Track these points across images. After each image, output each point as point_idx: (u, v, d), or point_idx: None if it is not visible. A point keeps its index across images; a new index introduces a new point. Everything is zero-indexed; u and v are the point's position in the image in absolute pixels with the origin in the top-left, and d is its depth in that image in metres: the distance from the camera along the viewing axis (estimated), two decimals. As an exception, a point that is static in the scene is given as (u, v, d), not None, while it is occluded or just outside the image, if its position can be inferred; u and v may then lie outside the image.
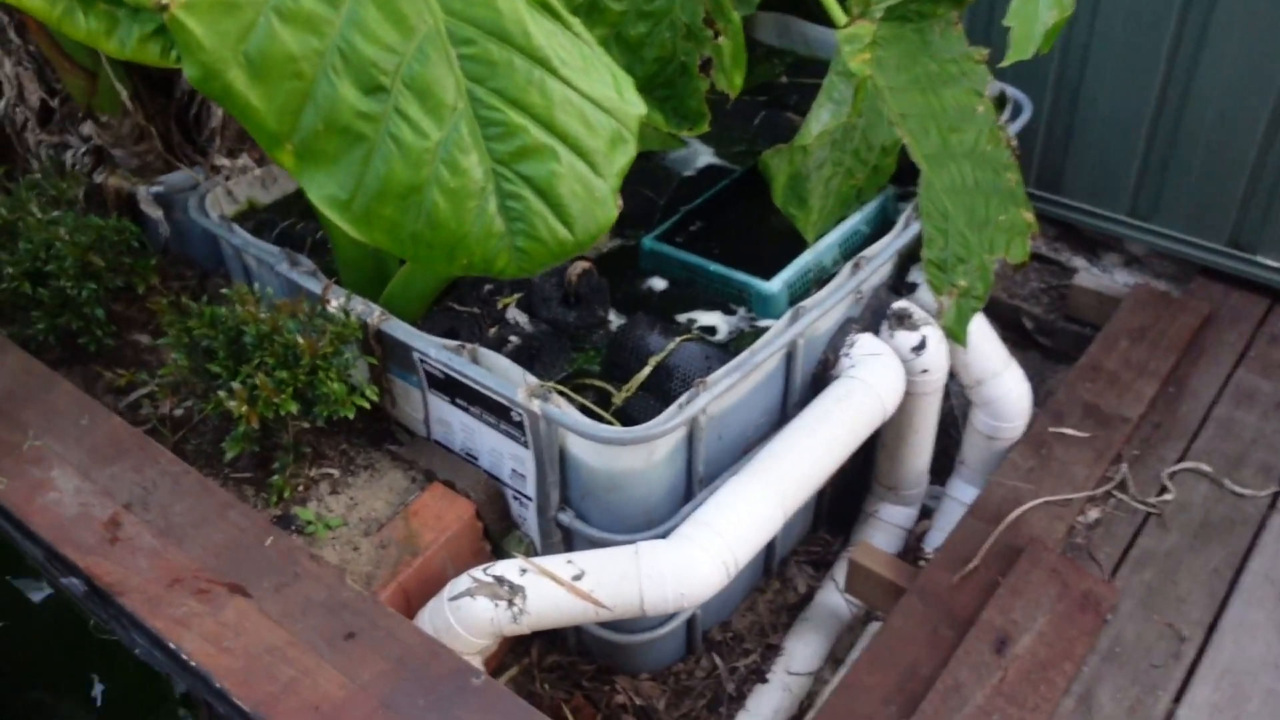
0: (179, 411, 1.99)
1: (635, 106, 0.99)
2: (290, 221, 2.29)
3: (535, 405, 1.73)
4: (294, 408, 1.72)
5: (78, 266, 1.95)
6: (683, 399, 1.72)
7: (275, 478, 1.85)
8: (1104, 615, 1.93)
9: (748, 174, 2.34)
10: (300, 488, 1.89)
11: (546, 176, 0.97)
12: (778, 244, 2.12)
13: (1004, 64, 1.60)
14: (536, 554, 1.96)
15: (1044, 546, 2.01)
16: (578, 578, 1.67)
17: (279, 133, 0.91)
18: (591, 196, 0.97)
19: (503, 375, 1.80)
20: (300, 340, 1.72)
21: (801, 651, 2.17)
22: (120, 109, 2.23)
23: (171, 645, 1.29)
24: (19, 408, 1.73)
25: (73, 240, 1.94)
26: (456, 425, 1.94)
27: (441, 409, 1.94)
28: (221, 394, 1.74)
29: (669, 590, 1.67)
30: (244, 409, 1.70)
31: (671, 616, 2.02)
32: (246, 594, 1.39)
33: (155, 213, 2.30)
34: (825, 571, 2.37)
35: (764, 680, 2.18)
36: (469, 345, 1.83)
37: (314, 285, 1.98)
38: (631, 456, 1.76)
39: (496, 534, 1.94)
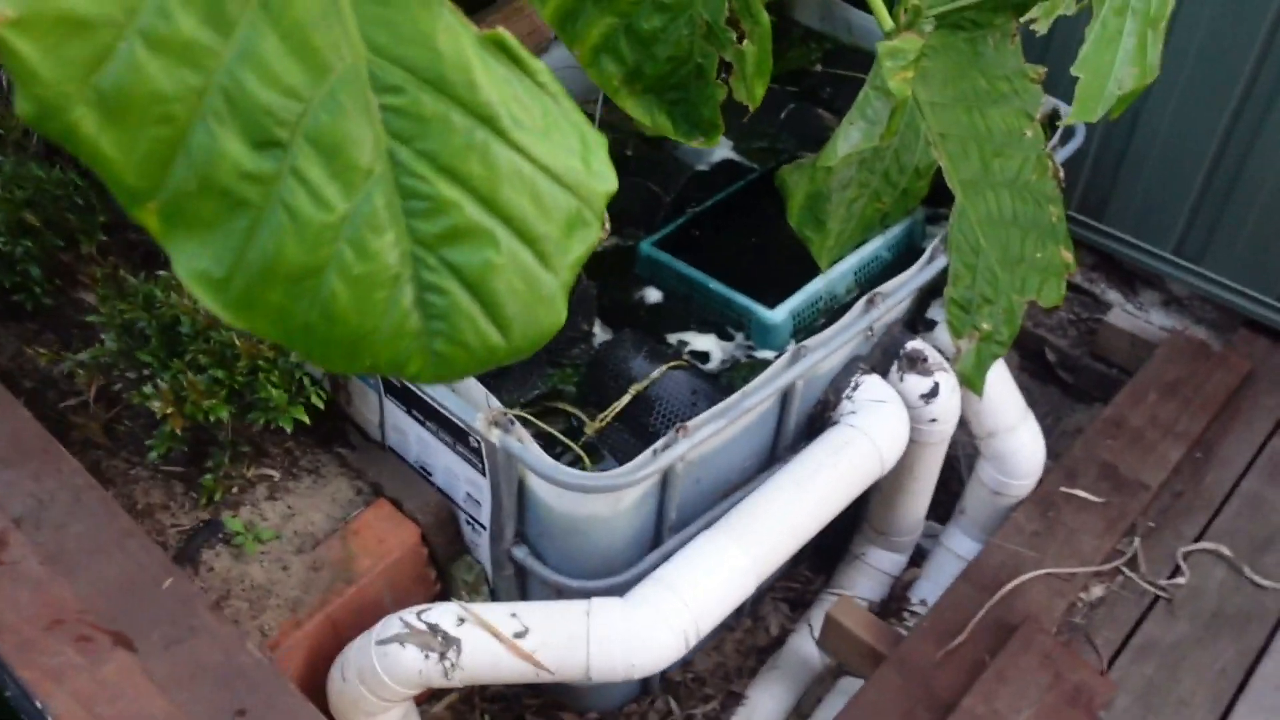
0: (117, 385, 1.81)
1: (604, 181, 0.79)
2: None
3: (494, 435, 1.55)
4: (225, 413, 1.55)
5: (13, 223, 1.76)
6: (659, 444, 1.54)
7: (207, 477, 1.69)
8: (1096, 713, 1.77)
9: (765, 176, 2.12)
10: (234, 489, 1.72)
11: (480, 267, 0.78)
12: (789, 262, 1.91)
13: (1065, 122, 1.39)
14: (487, 582, 1.80)
15: (1039, 627, 1.84)
16: (520, 635, 1.51)
17: (139, 189, 0.72)
18: (535, 294, 0.78)
19: (464, 394, 1.62)
20: (237, 340, 1.54)
21: (766, 704, 2.02)
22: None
23: (38, 703, 1.14)
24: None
25: (8, 194, 1.74)
26: (412, 437, 1.76)
27: (397, 417, 1.76)
28: (146, 389, 1.57)
29: (618, 659, 1.51)
30: (169, 410, 1.53)
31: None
32: (132, 647, 1.24)
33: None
34: (802, 613, 2.21)
35: (722, 729, 2.04)
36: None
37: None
38: (596, 502, 1.59)
39: (444, 558, 1.78)
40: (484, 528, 1.73)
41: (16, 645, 1.20)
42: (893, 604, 2.21)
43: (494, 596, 1.80)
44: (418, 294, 0.77)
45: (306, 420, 1.59)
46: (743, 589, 1.60)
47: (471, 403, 1.60)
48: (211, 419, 1.55)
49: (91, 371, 1.69)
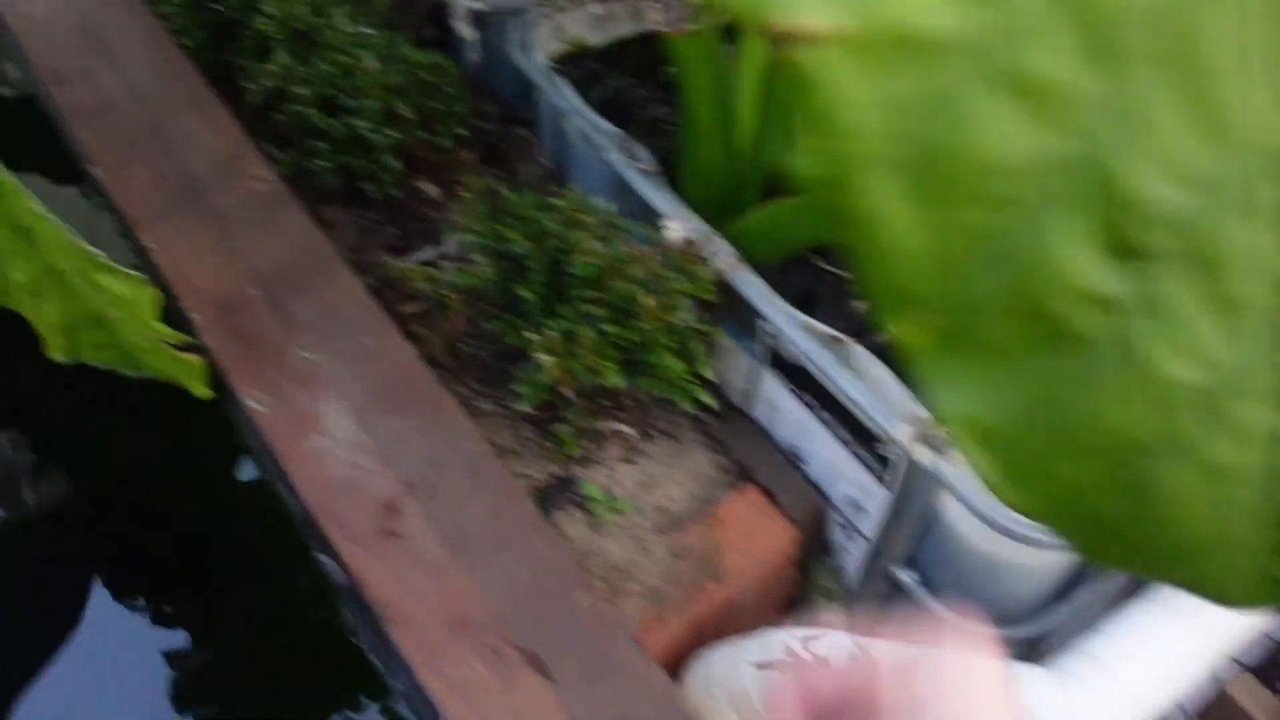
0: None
1: None
2: (625, 82, 1.84)
3: (921, 453, 1.30)
4: (619, 381, 1.35)
5: (381, 109, 1.57)
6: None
7: (563, 428, 1.51)
8: None
9: None
10: (587, 442, 1.54)
11: None
12: None
13: None
14: (849, 594, 1.59)
15: None
16: (924, 691, 1.29)
17: (918, 292, 0.47)
18: None
19: (877, 389, 1.38)
20: (649, 300, 1.32)
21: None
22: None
23: (446, 723, 1.00)
24: (292, 294, 1.40)
25: (380, 80, 1.55)
26: (789, 416, 1.54)
27: (776, 393, 1.53)
28: (529, 335, 1.38)
29: (1039, 741, 1.28)
30: (555, 371, 1.34)
31: None
32: (548, 675, 1.07)
33: (470, 34, 1.89)
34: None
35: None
36: (842, 339, 1.40)
37: (649, 192, 1.56)
38: (1027, 550, 1.33)
39: (804, 554, 1.57)
40: (864, 538, 1.51)
41: (419, 642, 1.06)
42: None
43: (850, 608, 1.60)
44: (1282, 497, 0.53)
45: (714, 405, 1.38)
46: (1191, 678, 1.34)
47: (889, 405, 1.36)
48: (602, 383, 1.35)
49: (454, 299, 1.52)
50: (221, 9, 1.73)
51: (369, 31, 1.61)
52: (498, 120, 1.98)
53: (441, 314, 1.65)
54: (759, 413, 1.60)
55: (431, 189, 1.82)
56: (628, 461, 1.55)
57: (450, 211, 1.83)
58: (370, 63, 1.56)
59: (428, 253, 1.78)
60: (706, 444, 1.60)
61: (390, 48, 1.61)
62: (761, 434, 1.61)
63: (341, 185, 1.73)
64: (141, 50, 1.62)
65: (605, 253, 1.34)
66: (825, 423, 1.47)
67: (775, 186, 1.61)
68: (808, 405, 1.49)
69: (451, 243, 1.80)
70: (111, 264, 1.05)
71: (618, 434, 1.58)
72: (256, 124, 1.75)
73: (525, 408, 1.42)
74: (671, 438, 1.60)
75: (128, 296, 1.09)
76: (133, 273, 1.07)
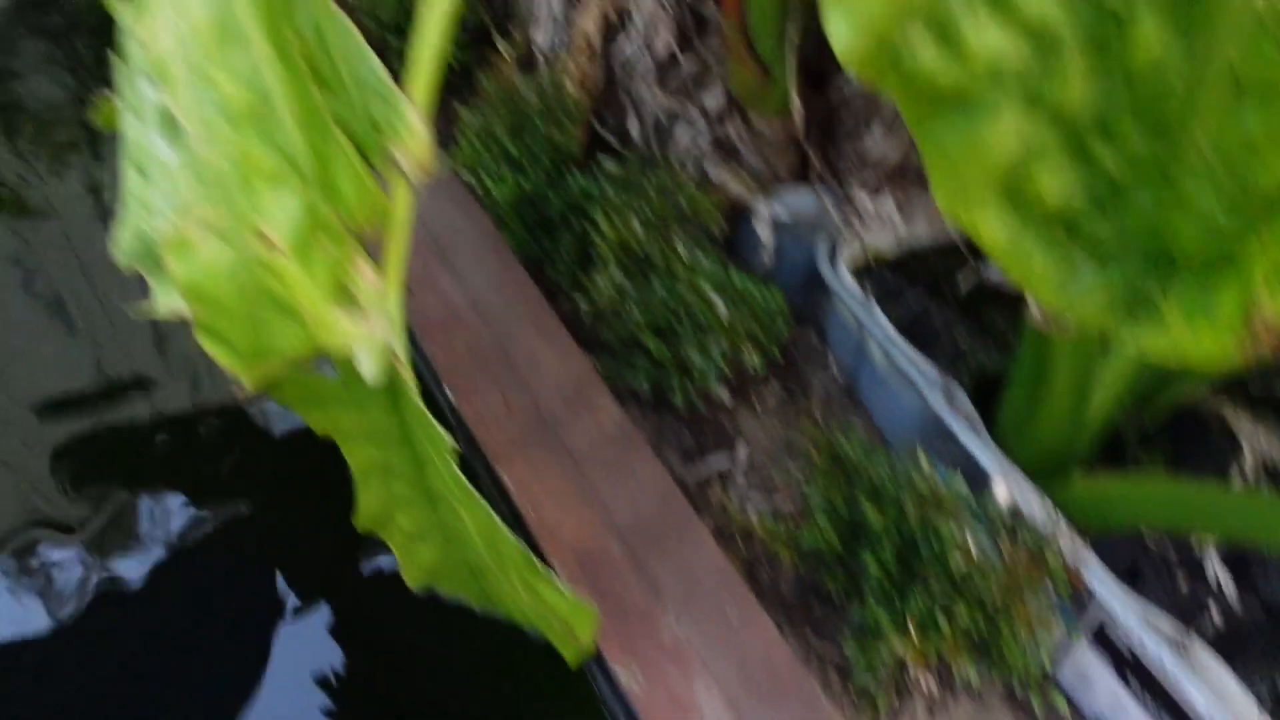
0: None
1: None
2: (924, 301, 1.85)
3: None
4: (971, 671, 1.35)
5: (719, 340, 1.61)
6: None
7: (866, 677, 1.51)
8: None
9: None
10: (889, 692, 1.55)
11: None
12: None
13: None
14: None
15: None
16: None
17: None
18: None
19: (1220, 693, 1.36)
20: (1008, 596, 1.33)
21: None
22: (778, 114, 1.83)
23: None
24: (653, 552, 1.41)
25: (722, 320, 1.58)
26: (1102, 692, 1.52)
27: (1092, 667, 1.52)
28: (879, 614, 1.39)
29: None
30: (907, 652, 1.35)
31: None
32: None
33: (766, 235, 1.92)
34: None
35: None
36: (1186, 643, 1.39)
37: (971, 443, 1.57)
38: None
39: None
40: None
41: None
42: None
43: None
44: None
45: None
46: None
47: (1234, 717, 1.34)
48: (949, 668, 1.35)
49: (783, 546, 1.53)
50: (547, 212, 1.78)
51: (703, 259, 1.65)
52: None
53: (770, 560, 1.65)
54: (1064, 678, 1.59)
55: (725, 394, 1.85)
56: (930, 716, 1.55)
57: (741, 416, 1.86)
58: (710, 294, 1.59)
59: (721, 460, 1.81)
60: (1009, 704, 1.59)
61: (724, 274, 1.65)
62: (1063, 696, 1.60)
63: (649, 390, 1.76)
64: (480, 256, 1.68)
65: (971, 546, 1.35)
66: (1148, 711, 1.45)
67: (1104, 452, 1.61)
68: (1130, 688, 1.47)
69: (743, 451, 1.83)
70: (551, 576, 1.06)
71: (918, 687, 1.58)
72: (571, 320, 1.80)
73: (863, 677, 1.43)
74: (973, 697, 1.59)
75: (562, 611, 1.10)
76: (567, 592, 1.08)
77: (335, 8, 1.00)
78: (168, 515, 1.94)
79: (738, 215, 1.97)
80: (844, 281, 1.80)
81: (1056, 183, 0.87)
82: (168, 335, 2.20)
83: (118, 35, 0.91)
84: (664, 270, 1.62)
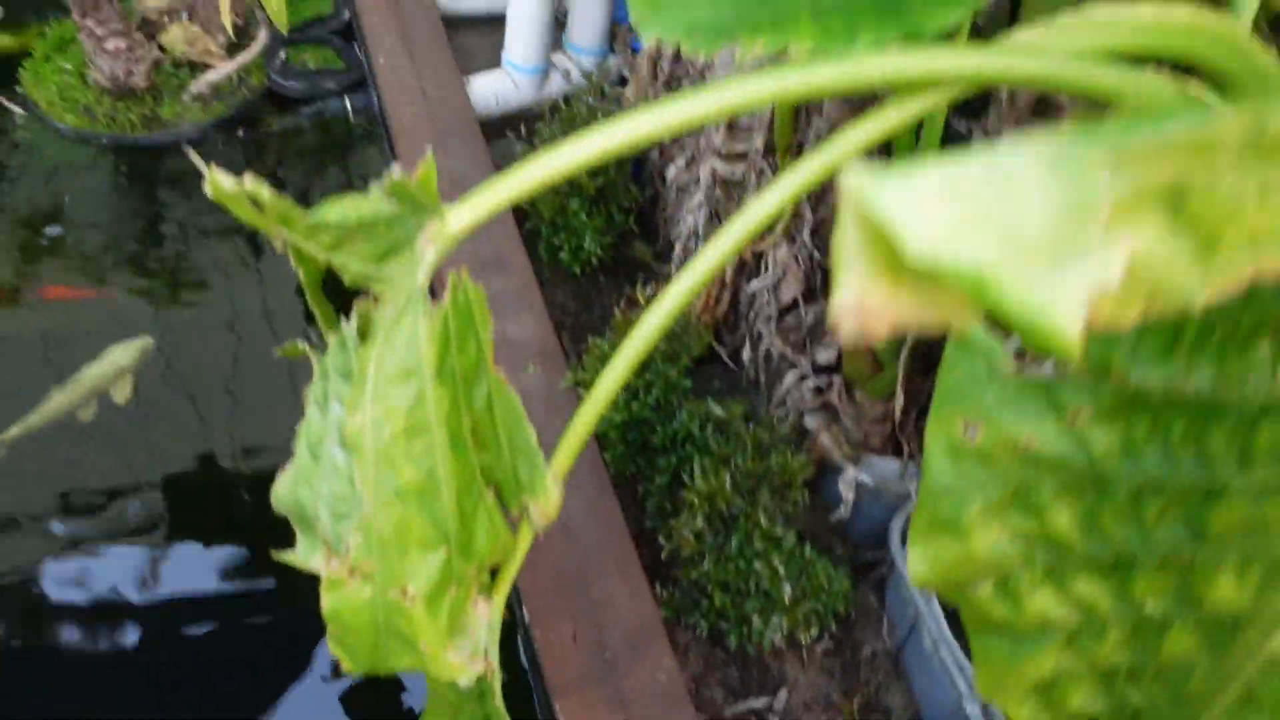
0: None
1: None
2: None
3: None
4: None
5: (780, 616, 1.74)
6: None
7: None
8: None
9: None
10: None
11: None
12: None
13: None
14: None
15: None
16: None
17: None
18: None
19: None
20: None
21: None
22: (883, 396, 1.96)
23: None
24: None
25: (789, 601, 1.72)
26: None
27: None
28: None
29: None
30: None
31: None
32: None
33: (848, 495, 2.05)
34: None
35: None
36: None
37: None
38: None
39: None
40: None
41: None
42: None
43: None
44: None
45: None
46: None
47: None
48: None
49: None
50: (651, 440, 1.94)
51: (781, 531, 1.79)
52: (848, 565, 2.14)
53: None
54: None
55: (777, 639, 1.98)
56: None
57: (788, 662, 1.99)
58: (781, 572, 1.73)
59: (761, 700, 1.94)
60: None
61: (799, 552, 1.78)
62: None
63: (707, 629, 1.90)
64: (580, 479, 1.84)
65: None
66: None
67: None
68: None
69: (783, 697, 1.96)
70: None
71: None
72: (648, 541, 1.95)
73: None
74: None
75: None
76: None
77: (507, 384, 1.18)
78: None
79: (825, 464, 2.11)
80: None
81: (1086, 701, 0.99)
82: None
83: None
84: (744, 533, 1.76)
